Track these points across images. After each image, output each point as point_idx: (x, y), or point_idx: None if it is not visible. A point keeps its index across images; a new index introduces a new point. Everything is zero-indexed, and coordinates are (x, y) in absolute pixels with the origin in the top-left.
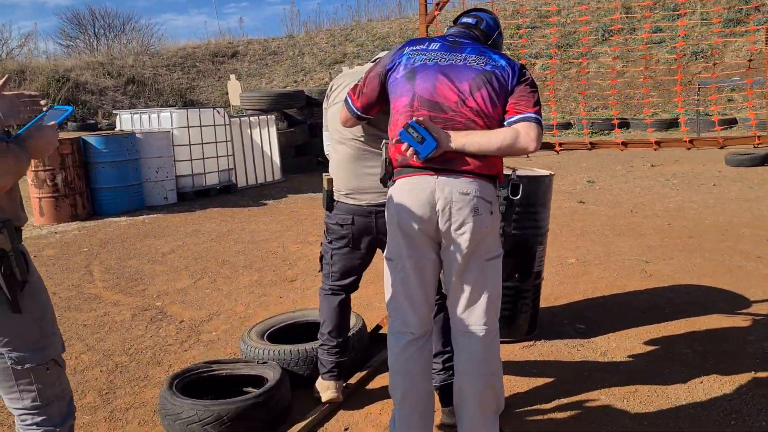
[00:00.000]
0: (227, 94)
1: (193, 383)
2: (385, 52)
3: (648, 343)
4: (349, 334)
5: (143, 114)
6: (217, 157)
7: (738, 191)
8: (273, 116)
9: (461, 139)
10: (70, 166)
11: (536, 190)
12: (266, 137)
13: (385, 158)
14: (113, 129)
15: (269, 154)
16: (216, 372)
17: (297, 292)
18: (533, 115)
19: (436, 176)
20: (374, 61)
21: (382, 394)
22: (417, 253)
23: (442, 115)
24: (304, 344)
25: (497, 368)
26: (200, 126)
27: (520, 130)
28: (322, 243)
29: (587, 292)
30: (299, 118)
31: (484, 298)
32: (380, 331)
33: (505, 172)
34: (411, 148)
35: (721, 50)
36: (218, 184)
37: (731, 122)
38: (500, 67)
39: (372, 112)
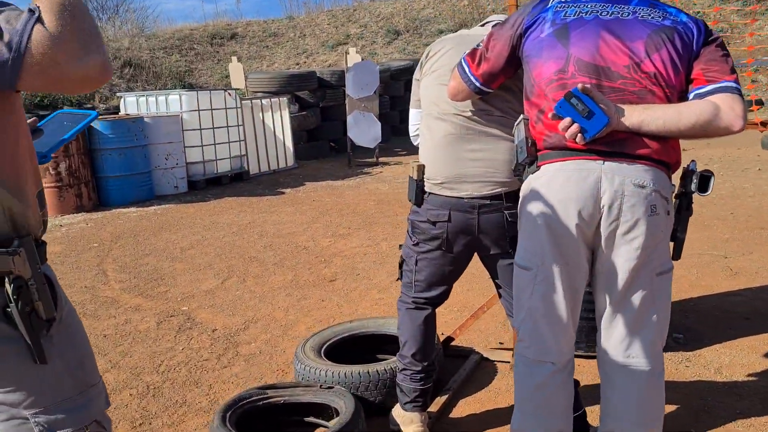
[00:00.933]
0: (228, 77)
1: (247, 414)
2: (498, 17)
3: (765, 357)
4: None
5: (150, 96)
6: (229, 142)
7: None
8: (285, 99)
9: (639, 115)
10: (74, 153)
11: None
12: (278, 121)
13: (526, 137)
14: (113, 113)
15: (282, 139)
16: (273, 400)
17: (340, 295)
18: (733, 84)
19: (602, 161)
20: (491, 24)
21: (471, 424)
22: (569, 261)
23: (608, 84)
24: (376, 364)
25: (661, 416)
26: (211, 109)
27: (719, 104)
28: (401, 245)
29: (673, 295)
30: (311, 100)
31: (651, 325)
32: (452, 344)
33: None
34: (574, 125)
35: (741, 29)
36: (230, 171)
37: (757, 103)
38: (682, 23)
39: (494, 84)
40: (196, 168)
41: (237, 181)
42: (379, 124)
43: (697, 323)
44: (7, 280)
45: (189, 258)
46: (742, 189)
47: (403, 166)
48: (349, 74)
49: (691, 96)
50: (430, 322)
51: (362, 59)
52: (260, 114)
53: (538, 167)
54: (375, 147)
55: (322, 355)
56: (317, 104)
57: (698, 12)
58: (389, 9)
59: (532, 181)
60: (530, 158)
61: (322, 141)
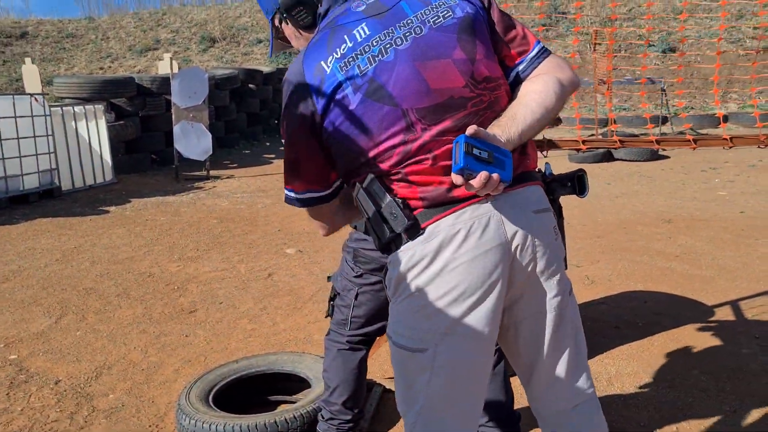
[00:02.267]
0: (19, 80)
1: None
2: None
3: (646, 364)
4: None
5: None
6: (37, 154)
7: (601, 188)
8: (101, 106)
9: (512, 128)
10: None
11: None
12: (94, 131)
13: (392, 202)
14: None
15: (98, 150)
16: None
17: (205, 328)
18: (541, 46)
19: (487, 201)
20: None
21: None
22: (480, 334)
23: (462, 114)
24: (284, 412)
25: None
26: (15, 117)
27: (553, 73)
28: (330, 277)
29: None
30: (129, 109)
31: (583, 350)
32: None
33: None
34: (494, 175)
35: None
36: (39, 187)
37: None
38: (462, 1)
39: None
40: None
41: (47, 199)
42: (210, 135)
43: None
44: None
45: (6, 293)
46: (565, 200)
47: (237, 180)
48: (174, 81)
49: (512, 75)
50: (364, 365)
51: (178, 66)
52: (72, 123)
53: (423, 230)
54: (205, 160)
55: (211, 403)
56: (136, 113)
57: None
58: (202, 15)
59: (416, 250)
60: (409, 222)
61: (143, 153)
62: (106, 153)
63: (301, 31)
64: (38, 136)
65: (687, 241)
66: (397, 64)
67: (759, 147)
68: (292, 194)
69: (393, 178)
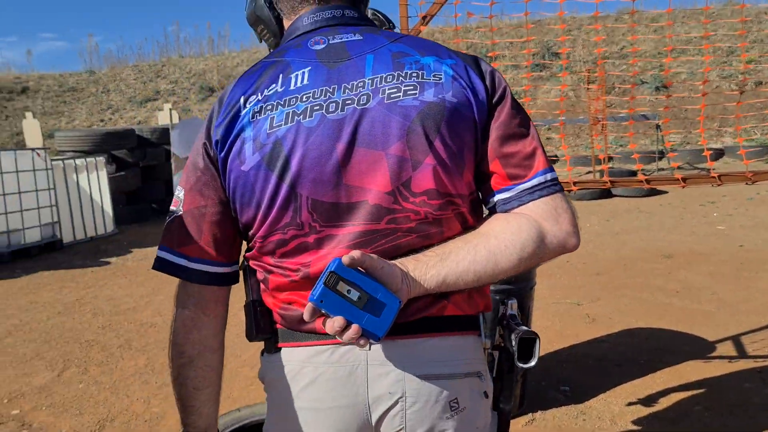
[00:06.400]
0: (20, 134)
1: None
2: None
3: (649, 402)
4: None
5: None
6: (39, 208)
7: (601, 226)
8: (102, 158)
9: (433, 269)
10: None
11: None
12: (95, 183)
13: (251, 303)
14: None
15: (99, 202)
16: None
17: None
18: (549, 178)
19: (368, 347)
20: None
21: None
22: None
23: (368, 227)
24: None
25: None
26: (16, 171)
27: (540, 221)
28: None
29: (543, 346)
30: (130, 160)
31: None
32: None
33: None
34: (352, 327)
35: (533, 92)
36: (41, 240)
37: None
38: (450, 81)
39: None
40: (0, 239)
41: (49, 252)
42: None
43: (576, 373)
44: None
45: (8, 348)
46: None
47: None
48: (174, 132)
49: (491, 202)
50: None
51: (178, 116)
52: (74, 175)
53: (278, 349)
54: None
55: None
56: (137, 164)
57: None
58: (200, 65)
59: (268, 368)
60: (262, 335)
61: (144, 203)
62: (108, 204)
63: (271, 50)
64: (40, 190)
65: (687, 276)
66: (314, 135)
67: (747, 184)
68: (182, 260)
69: (260, 276)
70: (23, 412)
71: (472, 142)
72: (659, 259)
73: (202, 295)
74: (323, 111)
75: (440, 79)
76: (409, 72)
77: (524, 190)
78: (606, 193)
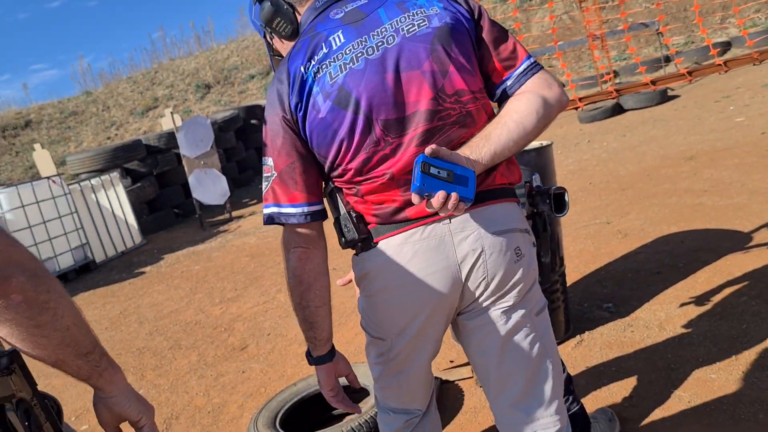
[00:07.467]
0: (33, 167)
1: None
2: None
3: (694, 302)
4: None
5: None
6: (66, 233)
7: (618, 142)
8: (116, 173)
9: (486, 149)
10: None
11: (545, 162)
12: (114, 199)
13: (345, 215)
14: None
15: (123, 217)
16: None
17: (259, 360)
18: (532, 61)
19: (447, 219)
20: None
21: None
22: (428, 338)
23: (427, 127)
24: (349, 422)
25: None
26: (37, 202)
27: (539, 91)
28: None
29: (579, 269)
30: (143, 170)
31: (547, 374)
32: None
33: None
34: (452, 195)
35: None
36: (74, 264)
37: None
38: (443, 10)
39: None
40: None
41: (85, 273)
42: (224, 178)
43: (616, 289)
44: (9, 406)
45: None
46: (585, 161)
47: (259, 215)
48: (180, 134)
49: (498, 92)
50: None
51: (180, 118)
52: (92, 195)
53: (375, 244)
54: (225, 202)
55: (278, 428)
56: (151, 172)
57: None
58: (192, 64)
59: (368, 261)
60: (361, 236)
61: (165, 209)
62: (131, 217)
63: (284, 41)
64: (63, 216)
65: (713, 174)
66: (366, 74)
67: (754, 64)
68: (287, 208)
69: (349, 192)
70: (92, 427)
71: (472, 49)
72: (682, 162)
73: (308, 233)
74: (365, 55)
75: (437, 11)
76: (414, 11)
77: (519, 74)
78: (618, 109)
